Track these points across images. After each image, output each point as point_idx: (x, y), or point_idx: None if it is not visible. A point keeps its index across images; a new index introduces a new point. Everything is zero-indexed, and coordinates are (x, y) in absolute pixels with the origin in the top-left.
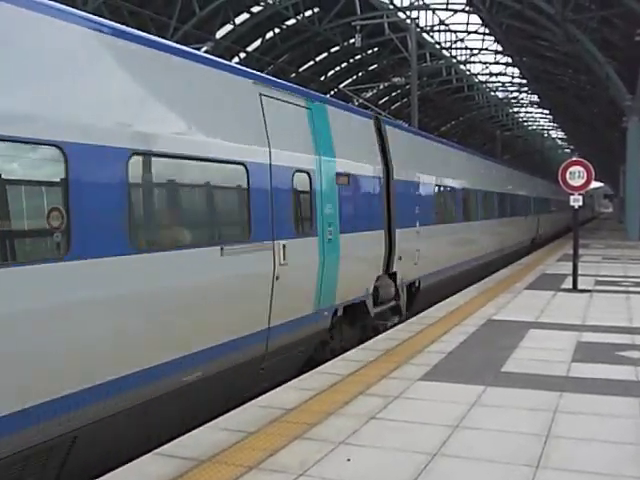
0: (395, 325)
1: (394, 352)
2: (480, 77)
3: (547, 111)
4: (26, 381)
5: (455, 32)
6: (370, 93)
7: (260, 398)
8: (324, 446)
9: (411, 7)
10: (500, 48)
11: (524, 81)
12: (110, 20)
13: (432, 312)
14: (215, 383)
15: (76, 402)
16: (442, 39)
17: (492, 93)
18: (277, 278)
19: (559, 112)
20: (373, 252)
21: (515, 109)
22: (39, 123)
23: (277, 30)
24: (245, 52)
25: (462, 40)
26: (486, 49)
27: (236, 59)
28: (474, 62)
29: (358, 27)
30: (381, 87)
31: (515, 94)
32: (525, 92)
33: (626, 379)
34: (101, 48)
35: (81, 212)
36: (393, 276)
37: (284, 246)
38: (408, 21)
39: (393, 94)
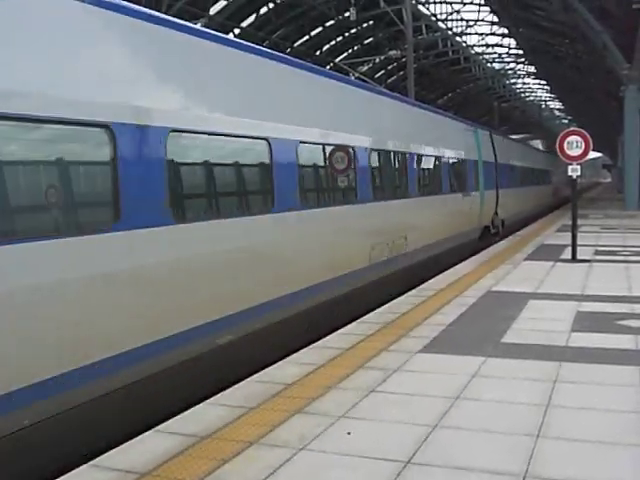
0: (498, 242)
1: (393, 325)
2: (476, 49)
3: (544, 82)
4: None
5: (451, 3)
6: (366, 67)
7: (260, 373)
8: (324, 420)
9: None
10: (496, 19)
11: (520, 52)
12: None
13: (431, 284)
14: (456, 251)
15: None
16: (438, 11)
17: (489, 65)
18: (471, 207)
19: (556, 83)
20: (492, 200)
21: (512, 80)
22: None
23: (271, 5)
24: (239, 28)
25: (458, 12)
26: (482, 20)
27: (231, 35)
28: (470, 34)
29: (353, 0)
30: (377, 61)
31: (512, 65)
32: (522, 63)
33: (626, 348)
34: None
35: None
36: (497, 215)
37: (474, 194)
38: None
39: (389, 67)
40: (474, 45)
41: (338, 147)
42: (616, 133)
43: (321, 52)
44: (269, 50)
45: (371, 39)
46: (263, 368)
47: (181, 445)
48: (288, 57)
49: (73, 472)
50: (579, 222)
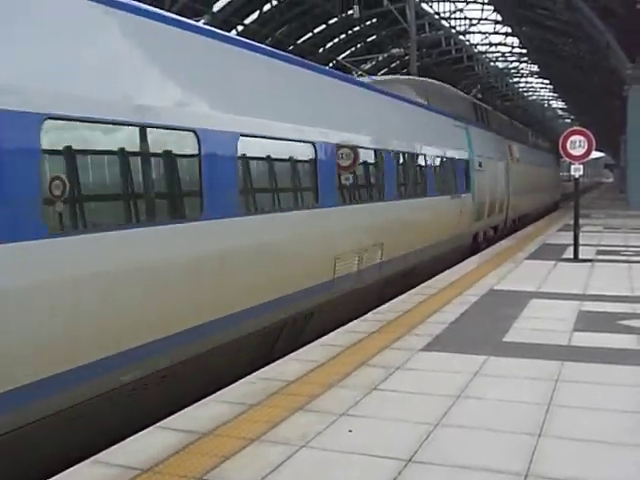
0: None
1: (395, 323)
2: (480, 47)
3: (547, 81)
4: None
5: (454, 2)
6: (369, 65)
7: (261, 370)
8: (325, 418)
9: None
10: (499, 18)
11: (524, 51)
12: None
13: (433, 283)
14: None
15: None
16: (441, 9)
17: (492, 63)
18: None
19: (559, 82)
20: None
21: (515, 79)
22: None
23: (274, 2)
24: (243, 25)
25: (461, 10)
26: (485, 19)
27: (234, 32)
28: (473, 32)
29: None
30: (380, 58)
31: (515, 64)
32: (525, 62)
33: (628, 348)
34: None
35: None
36: None
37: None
38: None
39: (392, 65)
40: (477, 44)
41: None
42: (619, 133)
43: (324, 50)
44: None
45: (374, 37)
46: None
47: (182, 442)
48: None
49: (74, 467)
50: (581, 222)
